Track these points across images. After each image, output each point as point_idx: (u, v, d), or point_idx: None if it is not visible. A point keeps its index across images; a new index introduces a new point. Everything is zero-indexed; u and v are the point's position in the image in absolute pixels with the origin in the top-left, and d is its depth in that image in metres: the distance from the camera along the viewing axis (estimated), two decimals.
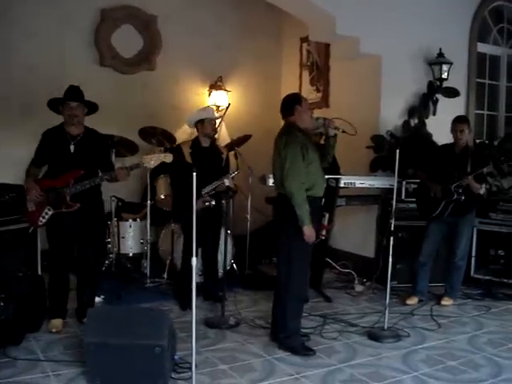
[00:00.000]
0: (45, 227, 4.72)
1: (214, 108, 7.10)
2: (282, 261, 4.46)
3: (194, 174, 3.52)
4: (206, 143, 5.51)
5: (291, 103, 4.49)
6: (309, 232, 4.22)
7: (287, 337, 4.40)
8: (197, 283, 5.48)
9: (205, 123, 5.44)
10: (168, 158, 4.64)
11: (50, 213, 4.59)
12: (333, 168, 5.71)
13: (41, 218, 4.60)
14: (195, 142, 5.50)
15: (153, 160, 4.62)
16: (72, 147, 4.65)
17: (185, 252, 5.46)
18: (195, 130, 5.60)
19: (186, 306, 5.16)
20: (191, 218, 3.56)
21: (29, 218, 4.72)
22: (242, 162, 6.23)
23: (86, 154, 4.67)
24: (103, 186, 5.03)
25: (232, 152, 6.27)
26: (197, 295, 5.38)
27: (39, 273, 5.46)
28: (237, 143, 6.71)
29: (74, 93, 4.65)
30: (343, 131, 4.59)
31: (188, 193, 3.66)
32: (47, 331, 4.62)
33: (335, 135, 4.59)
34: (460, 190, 5.35)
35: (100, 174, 4.71)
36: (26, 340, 4.38)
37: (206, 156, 5.40)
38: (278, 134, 4.51)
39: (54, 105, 4.71)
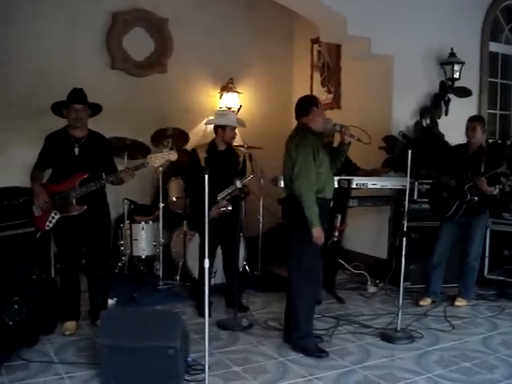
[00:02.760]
0: (52, 231, 4.76)
1: (234, 112, 6.96)
2: (292, 262, 4.46)
3: (206, 176, 3.52)
4: (222, 147, 5.44)
5: (308, 104, 4.48)
6: (318, 233, 4.21)
7: (300, 338, 4.40)
8: (216, 285, 5.54)
9: (226, 130, 5.36)
10: (173, 156, 4.63)
11: (56, 217, 4.60)
12: (349, 168, 5.76)
13: (47, 223, 4.61)
14: (212, 146, 5.44)
15: (157, 159, 4.61)
16: (76, 150, 4.65)
17: (201, 257, 5.39)
18: (207, 129, 5.53)
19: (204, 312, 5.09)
20: (208, 222, 3.57)
21: (35, 223, 4.74)
22: (255, 165, 6.19)
23: (90, 157, 4.67)
24: (115, 189, 5.05)
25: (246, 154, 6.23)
26: (217, 298, 5.44)
27: (52, 275, 5.49)
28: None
29: (78, 95, 4.65)
30: (358, 139, 4.60)
31: (203, 198, 3.63)
32: (61, 333, 4.64)
33: (349, 143, 4.59)
34: (473, 191, 5.32)
35: (104, 176, 4.71)
36: (39, 342, 4.40)
37: (222, 160, 5.34)
38: (290, 135, 4.50)
39: (58, 108, 4.70)
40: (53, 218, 4.60)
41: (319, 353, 4.33)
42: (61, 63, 6.84)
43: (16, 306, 4.14)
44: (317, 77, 8.08)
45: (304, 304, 4.41)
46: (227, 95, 7.82)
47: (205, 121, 5.79)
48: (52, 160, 4.69)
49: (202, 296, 3.74)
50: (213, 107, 7.64)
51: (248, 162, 5.85)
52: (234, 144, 5.84)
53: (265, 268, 6.80)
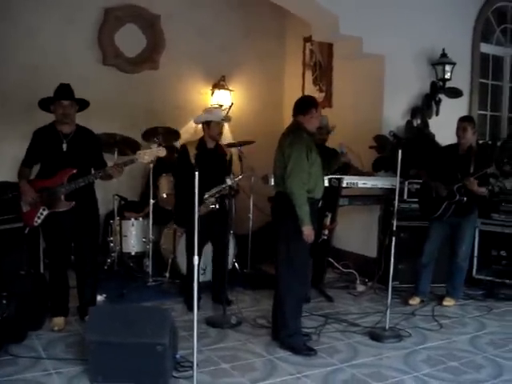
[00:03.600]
0: (41, 227, 4.74)
1: (222, 109, 6.96)
2: (282, 260, 4.46)
3: (196, 173, 3.52)
4: (211, 144, 5.44)
5: (308, 104, 4.54)
6: (308, 232, 4.24)
7: (288, 336, 4.40)
8: (205, 282, 5.55)
9: (211, 125, 5.36)
10: (161, 152, 4.63)
11: (44, 213, 4.59)
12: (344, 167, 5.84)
13: (36, 219, 4.60)
14: (201, 143, 5.44)
15: (146, 155, 4.62)
16: (65, 146, 4.63)
17: (189, 253, 5.41)
18: (199, 126, 5.52)
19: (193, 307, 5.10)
20: (194, 220, 3.56)
21: (24, 219, 4.72)
22: (245, 164, 6.17)
23: (78, 152, 4.65)
24: (106, 185, 5.03)
25: (236, 153, 6.22)
26: (205, 295, 5.45)
27: (41, 271, 5.47)
28: (240, 144, 6.70)
29: (65, 91, 4.63)
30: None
31: (191, 195, 3.62)
32: (49, 329, 4.63)
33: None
34: (462, 191, 5.34)
35: (93, 171, 4.70)
36: (28, 338, 4.39)
37: (211, 158, 5.36)
38: (284, 132, 4.52)
39: (46, 104, 4.68)
40: (41, 214, 4.58)
41: (307, 351, 4.34)
42: (52, 59, 6.79)
43: (4, 302, 4.12)
44: (309, 75, 8.08)
45: (292, 302, 4.42)
46: (219, 92, 7.81)
47: (193, 119, 5.79)
48: (40, 156, 4.67)
49: (190, 292, 3.73)
50: (204, 104, 7.63)
51: (238, 162, 5.85)
52: (227, 142, 5.84)
53: (254, 266, 6.81)
